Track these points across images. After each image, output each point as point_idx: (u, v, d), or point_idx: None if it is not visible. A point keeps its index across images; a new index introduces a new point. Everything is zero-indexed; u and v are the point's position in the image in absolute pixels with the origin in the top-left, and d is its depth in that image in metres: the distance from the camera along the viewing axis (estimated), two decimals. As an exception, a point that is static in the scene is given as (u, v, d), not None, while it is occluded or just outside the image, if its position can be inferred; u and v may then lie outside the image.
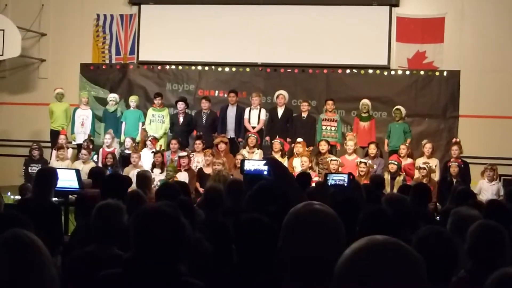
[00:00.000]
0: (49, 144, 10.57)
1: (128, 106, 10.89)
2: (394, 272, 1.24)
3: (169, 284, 2.12)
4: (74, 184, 6.51)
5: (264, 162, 5.39)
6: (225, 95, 10.83)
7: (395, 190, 7.83)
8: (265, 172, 5.93)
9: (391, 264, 1.25)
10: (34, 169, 9.46)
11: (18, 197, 7.10)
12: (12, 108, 11.96)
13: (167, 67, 11.69)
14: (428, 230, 2.45)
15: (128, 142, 9.96)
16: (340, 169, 8.92)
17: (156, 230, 2.15)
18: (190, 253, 2.50)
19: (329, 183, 6.33)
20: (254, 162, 7.72)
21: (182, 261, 2.21)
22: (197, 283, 2.19)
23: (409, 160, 9.45)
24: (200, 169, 9.27)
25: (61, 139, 10.06)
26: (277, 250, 1.78)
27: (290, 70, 11.32)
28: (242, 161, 7.65)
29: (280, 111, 10.21)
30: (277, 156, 9.03)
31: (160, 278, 2.11)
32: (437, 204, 8.14)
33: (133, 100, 10.77)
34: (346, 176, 6.56)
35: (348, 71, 11.17)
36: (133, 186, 7.35)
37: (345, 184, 5.98)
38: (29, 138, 11.14)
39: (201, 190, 8.41)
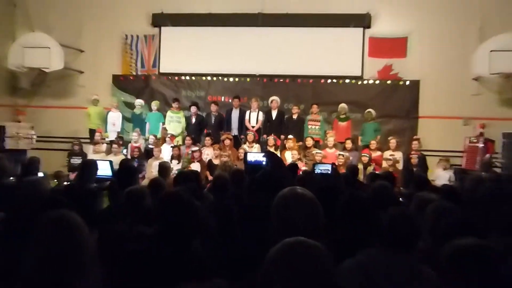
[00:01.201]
0: (87, 140, 10.54)
1: (150, 109, 10.85)
2: (303, 266, 1.23)
3: (184, 257, 2.11)
4: (108, 173, 6.50)
5: (263, 154, 5.37)
6: (230, 100, 10.81)
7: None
8: (264, 163, 5.91)
9: (301, 260, 1.24)
10: (75, 160, 9.45)
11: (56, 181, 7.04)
12: (56, 111, 11.92)
13: (183, 77, 11.65)
14: (395, 210, 2.44)
15: (151, 139, 9.93)
16: (322, 160, 8.92)
17: (173, 211, 2.14)
18: (200, 229, 2.48)
19: (316, 171, 6.32)
20: (255, 154, 7.67)
21: (195, 237, 2.19)
22: (207, 255, 2.18)
23: (378, 153, 9.46)
24: (210, 161, 9.26)
25: (97, 136, 10.06)
26: (270, 227, 1.77)
27: (282, 80, 11.28)
28: (245, 154, 7.60)
29: (274, 113, 10.18)
30: (271, 149, 9.02)
31: (177, 251, 2.09)
32: (401, 188, 8.13)
33: (154, 104, 10.74)
34: (330, 166, 6.55)
35: (329, 80, 11.14)
36: (155, 174, 7.35)
37: (329, 172, 5.98)
38: (70, 135, 11.11)
39: (210, 177, 8.41)
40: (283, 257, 1.26)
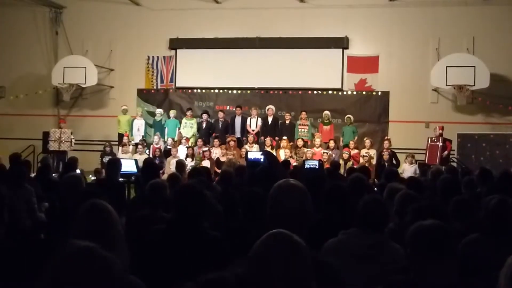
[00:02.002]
0: (117, 143, 10.54)
1: (169, 117, 10.84)
2: (283, 256, 1.19)
3: (196, 235, 2.11)
4: (134, 169, 6.51)
5: (262, 153, 5.39)
6: (234, 109, 10.80)
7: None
8: (262, 160, 5.91)
9: (281, 251, 1.20)
10: (106, 159, 9.41)
11: (94, 177, 7.04)
12: (91, 119, 11.91)
13: (195, 90, 11.65)
14: (370, 197, 2.44)
15: (170, 141, 9.93)
16: (311, 156, 8.92)
17: (187, 199, 2.14)
18: (210, 214, 2.47)
19: (306, 166, 6.32)
20: (255, 153, 7.69)
21: (205, 219, 2.19)
22: (215, 234, 2.18)
23: (356, 151, 9.45)
24: (218, 158, 9.26)
25: (125, 139, 10.05)
26: (267, 212, 1.76)
27: (276, 92, 11.27)
28: (247, 152, 7.64)
29: (270, 119, 10.18)
30: (268, 149, 9.02)
31: (191, 231, 2.09)
32: (375, 180, 8.13)
33: (172, 113, 10.74)
34: (317, 161, 6.56)
35: (315, 92, 11.13)
36: (173, 169, 7.34)
37: (316, 167, 5.99)
38: (103, 138, 11.09)
39: (218, 171, 8.41)
40: (267, 247, 1.23)
